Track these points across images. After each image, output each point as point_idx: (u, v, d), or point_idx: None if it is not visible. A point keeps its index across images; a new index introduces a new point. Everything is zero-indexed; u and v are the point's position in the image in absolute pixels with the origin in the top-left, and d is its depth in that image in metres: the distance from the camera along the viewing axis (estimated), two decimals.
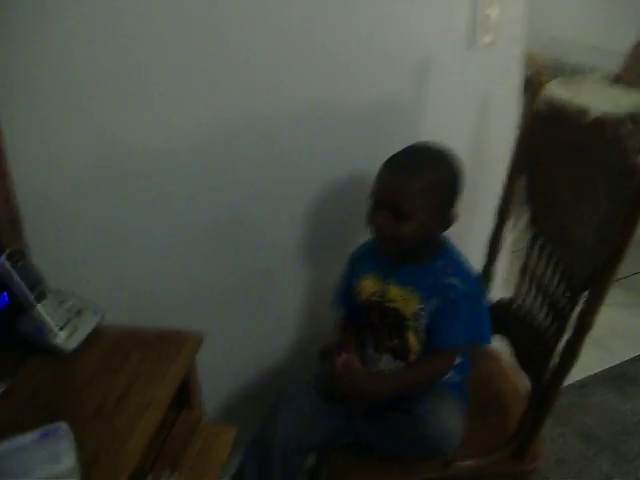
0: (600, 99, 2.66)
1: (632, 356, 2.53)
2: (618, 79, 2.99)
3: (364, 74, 1.63)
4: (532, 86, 1.57)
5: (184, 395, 1.31)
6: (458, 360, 1.46)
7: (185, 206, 1.54)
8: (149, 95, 1.41)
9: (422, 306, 1.40)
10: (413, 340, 1.43)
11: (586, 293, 1.32)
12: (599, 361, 2.47)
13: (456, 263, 1.45)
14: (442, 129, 1.73)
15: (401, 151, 1.40)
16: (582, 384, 2.39)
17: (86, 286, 1.41)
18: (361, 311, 1.52)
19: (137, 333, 1.32)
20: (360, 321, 1.53)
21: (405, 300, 1.42)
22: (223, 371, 1.74)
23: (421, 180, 1.35)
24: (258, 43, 1.48)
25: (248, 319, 1.76)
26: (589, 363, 2.42)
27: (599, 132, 1.36)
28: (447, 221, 1.42)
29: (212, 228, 1.60)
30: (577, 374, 2.34)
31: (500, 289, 1.91)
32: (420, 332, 1.42)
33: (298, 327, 1.85)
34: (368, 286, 1.50)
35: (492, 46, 1.72)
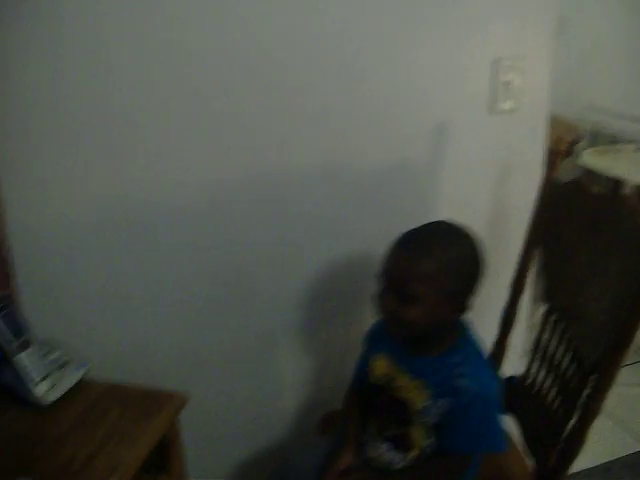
0: (635, 170, 2.59)
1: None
2: None
3: (380, 138, 1.60)
4: (550, 155, 1.52)
5: (164, 459, 1.26)
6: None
7: (185, 263, 1.52)
8: (154, 150, 1.41)
9: (431, 403, 1.28)
10: (417, 435, 1.31)
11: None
12: (623, 445, 2.33)
13: (472, 361, 1.30)
14: (459, 196, 1.69)
15: (414, 229, 1.30)
16: (607, 467, 2.24)
17: (76, 337, 1.39)
18: (369, 391, 1.42)
19: (120, 389, 1.29)
20: (367, 400, 1.44)
21: (413, 393, 1.30)
22: (217, 435, 1.69)
23: (430, 260, 1.23)
24: (271, 104, 1.46)
25: (245, 383, 1.70)
26: (615, 446, 2.29)
27: (617, 207, 1.30)
28: (460, 308, 1.29)
29: (212, 287, 1.57)
30: (602, 457, 2.22)
31: (516, 364, 1.83)
32: (427, 428, 1.30)
33: (296, 394, 1.78)
34: (379, 367, 1.39)
35: (513, 112, 1.67)
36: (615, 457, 2.28)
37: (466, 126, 1.65)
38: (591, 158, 2.69)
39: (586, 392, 1.25)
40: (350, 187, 1.60)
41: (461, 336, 1.34)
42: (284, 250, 1.60)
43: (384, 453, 1.37)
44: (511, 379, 1.60)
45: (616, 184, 2.55)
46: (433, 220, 1.33)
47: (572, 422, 1.29)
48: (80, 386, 1.27)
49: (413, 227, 1.30)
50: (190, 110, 1.40)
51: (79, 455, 1.10)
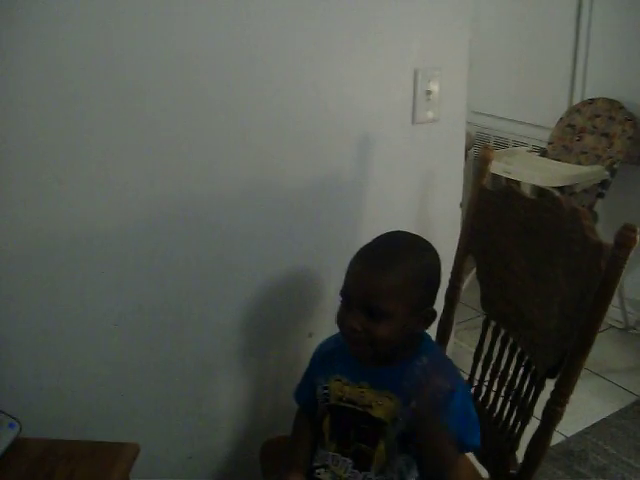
0: (532, 171, 2.68)
1: (578, 431, 2.48)
2: (545, 152, 3.04)
3: (307, 152, 1.56)
4: (479, 162, 1.52)
5: None
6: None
7: (114, 293, 1.41)
8: (78, 174, 1.30)
9: (401, 411, 1.23)
10: (381, 448, 1.27)
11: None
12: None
13: (439, 361, 1.30)
14: (386, 205, 1.68)
15: (371, 243, 1.28)
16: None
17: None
18: (327, 413, 1.35)
19: (63, 446, 1.16)
20: (320, 420, 1.37)
21: (381, 406, 1.26)
22: (160, 476, 1.58)
23: (398, 274, 1.21)
24: (192, 121, 1.39)
25: (185, 417, 1.60)
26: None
27: (554, 208, 1.31)
28: (427, 318, 1.28)
29: (144, 315, 1.46)
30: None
31: None
32: (391, 440, 1.26)
33: (238, 424, 1.70)
34: (336, 389, 1.33)
35: (435, 122, 1.68)
36: None
37: (391, 136, 1.65)
38: None
39: (544, 397, 1.25)
40: (281, 203, 1.56)
41: (422, 342, 1.32)
42: (218, 272, 1.52)
43: (344, 470, 1.31)
44: None
45: (536, 188, 2.63)
46: (388, 231, 1.31)
47: (531, 427, 1.30)
48: (15, 447, 1.14)
49: (370, 241, 1.28)
50: (116, 128, 1.31)
51: None
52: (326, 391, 1.35)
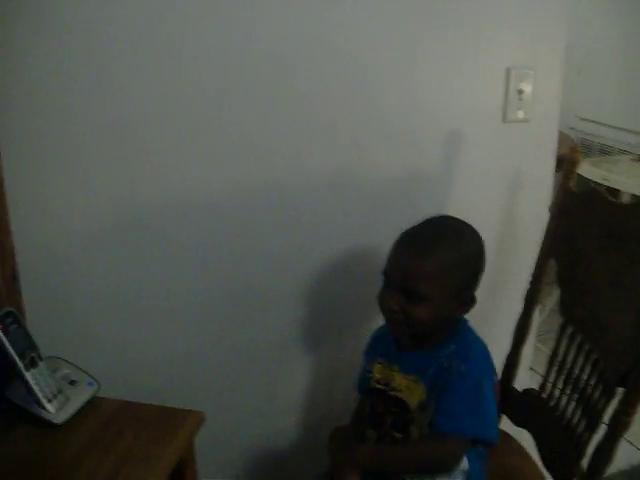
0: (632, 180, 2.59)
1: None
2: None
3: (393, 148, 1.57)
4: (566, 164, 1.50)
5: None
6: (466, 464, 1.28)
7: (194, 273, 1.48)
8: (161, 156, 1.37)
9: (427, 397, 1.25)
10: (414, 437, 1.27)
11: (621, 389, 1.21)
12: (627, 456, 2.31)
13: (467, 348, 1.28)
14: (471, 205, 1.66)
15: (416, 226, 1.28)
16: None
17: (84, 354, 1.33)
18: (369, 396, 1.39)
19: (134, 408, 1.23)
20: (370, 406, 1.39)
21: (409, 390, 1.28)
22: (226, 452, 1.64)
23: (438, 259, 1.22)
24: (285, 110, 1.44)
25: (254, 396, 1.66)
26: (617, 456, 2.26)
27: (638, 215, 1.27)
28: (466, 303, 1.28)
29: (221, 297, 1.53)
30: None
31: (524, 377, 1.81)
32: (424, 427, 1.26)
33: (308, 407, 1.74)
34: (376, 372, 1.36)
35: (526, 122, 1.65)
36: (617, 469, 2.27)
37: (480, 135, 1.63)
38: (587, 169, 2.69)
39: (615, 407, 1.22)
40: (363, 197, 1.58)
41: (458, 329, 1.31)
42: (297, 260, 1.56)
43: None
44: (527, 392, 1.57)
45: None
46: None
47: (596, 437, 1.27)
48: (91, 405, 1.22)
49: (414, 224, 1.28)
50: (202, 115, 1.38)
51: (95, 479, 1.05)
52: (369, 375, 1.38)
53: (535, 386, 1.55)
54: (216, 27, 1.33)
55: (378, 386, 1.35)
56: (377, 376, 1.36)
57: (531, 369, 2.03)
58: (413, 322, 1.23)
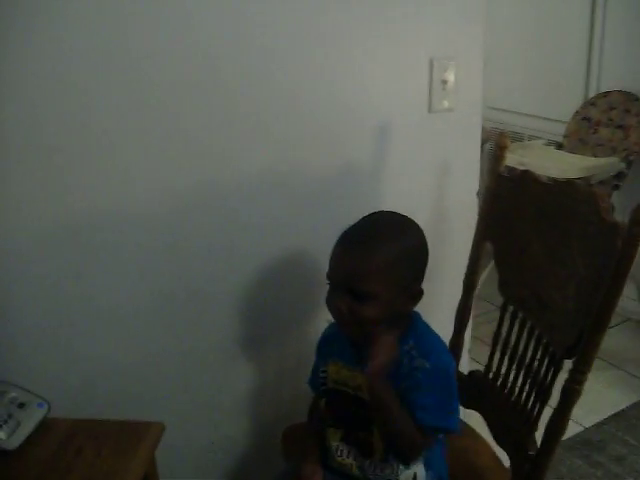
0: (548, 164, 2.69)
1: (596, 422, 2.48)
2: (560, 146, 3.04)
3: (323, 143, 1.58)
4: (495, 149, 1.54)
5: None
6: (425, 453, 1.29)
7: (134, 280, 1.44)
8: (103, 159, 1.34)
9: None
10: (378, 436, 1.27)
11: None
12: None
13: (425, 342, 1.28)
14: (402, 195, 1.70)
15: (354, 224, 1.27)
16: None
17: (28, 373, 1.28)
18: (328, 397, 1.37)
19: (89, 425, 1.21)
20: (329, 407, 1.38)
21: None
22: (181, 461, 1.60)
23: (380, 255, 1.20)
24: (212, 111, 1.42)
25: (207, 402, 1.63)
26: None
27: (570, 192, 1.33)
28: (414, 297, 1.27)
29: (163, 303, 1.50)
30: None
31: (464, 362, 1.85)
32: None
33: (260, 409, 1.73)
34: (333, 372, 1.34)
35: (451, 111, 1.70)
36: None
37: (407, 126, 1.67)
38: None
39: (564, 377, 1.27)
40: (297, 196, 1.58)
41: (411, 323, 1.31)
42: (236, 261, 1.55)
43: (352, 458, 1.33)
44: (473, 373, 1.61)
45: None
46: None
47: (549, 408, 1.31)
48: (44, 426, 1.18)
49: (353, 223, 1.27)
50: (130, 119, 1.34)
51: None
52: (323, 374, 1.37)
53: (479, 368, 1.60)
54: (143, 26, 1.31)
55: (336, 387, 1.33)
56: (334, 377, 1.34)
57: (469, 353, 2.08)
58: (363, 321, 1.22)
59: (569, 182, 1.38)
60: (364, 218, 1.29)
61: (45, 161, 1.28)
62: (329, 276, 1.25)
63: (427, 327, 1.33)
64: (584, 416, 2.47)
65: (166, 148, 1.40)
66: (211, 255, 1.52)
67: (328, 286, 1.26)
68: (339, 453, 1.34)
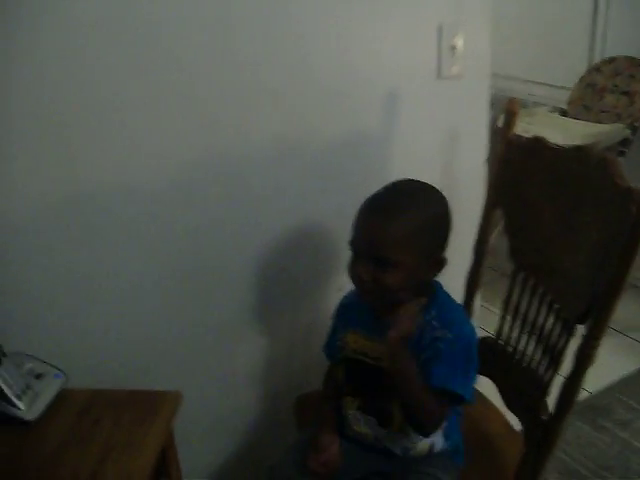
0: (553, 131, 2.67)
1: (602, 387, 2.50)
2: (565, 113, 3.02)
3: (332, 112, 1.57)
4: (506, 115, 1.53)
5: (162, 463, 1.18)
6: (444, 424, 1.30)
7: (151, 251, 1.45)
8: (111, 132, 1.33)
9: None
10: (397, 407, 1.28)
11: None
12: None
13: (447, 312, 1.28)
14: (411, 162, 1.69)
15: (379, 191, 1.26)
16: None
17: (44, 345, 1.29)
18: (345, 367, 1.37)
19: (107, 395, 1.21)
20: (347, 375, 1.38)
21: None
22: (196, 431, 1.62)
23: (404, 223, 1.20)
24: (223, 80, 1.41)
25: (220, 372, 1.65)
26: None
27: (583, 159, 1.32)
28: (437, 265, 1.27)
29: (175, 275, 1.50)
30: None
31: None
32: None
33: (272, 378, 1.74)
34: (352, 341, 1.34)
35: (460, 77, 1.68)
36: None
37: (416, 92, 1.66)
38: None
39: (578, 342, 1.27)
40: (308, 165, 1.57)
41: (433, 293, 1.31)
42: (248, 233, 1.55)
43: (368, 428, 1.34)
44: (484, 340, 1.61)
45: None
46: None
47: (563, 373, 1.32)
48: (61, 397, 1.18)
49: (376, 190, 1.27)
50: (142, 89, 1.33)
51: (81, 474, 1.02)
52: (341, 343, 1.37)
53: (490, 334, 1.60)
54: None
55: (356, 356, 1.33)
56: (353, 346, 1.34)
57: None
58: (385, 289, 1.21)
59: (580, 147, 1.36)
60: (388, 186, 1.28)
61: (52, 134, 1.27)
62: (352, 243, 1.25)
63: (449, 297, 1.33)
64: (589, 381, 2.46)
65: (174, 119, 1.39)
66: (221, 227, 1.51)
67: (345, 254, 1.26)
68: (355, 422, 1.35)
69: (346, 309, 1.42)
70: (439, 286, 1.34)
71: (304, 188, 1.58)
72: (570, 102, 3.02)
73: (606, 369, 2.57)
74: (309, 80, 1.51)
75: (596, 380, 2.51)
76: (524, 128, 2.69)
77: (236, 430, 1.73)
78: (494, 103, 3.49)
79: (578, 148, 1.39)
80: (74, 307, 1.39)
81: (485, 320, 1.96)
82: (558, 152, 1.42)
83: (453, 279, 1.63)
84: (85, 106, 1.29)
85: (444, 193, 1.73)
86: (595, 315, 1.22)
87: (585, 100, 2.97)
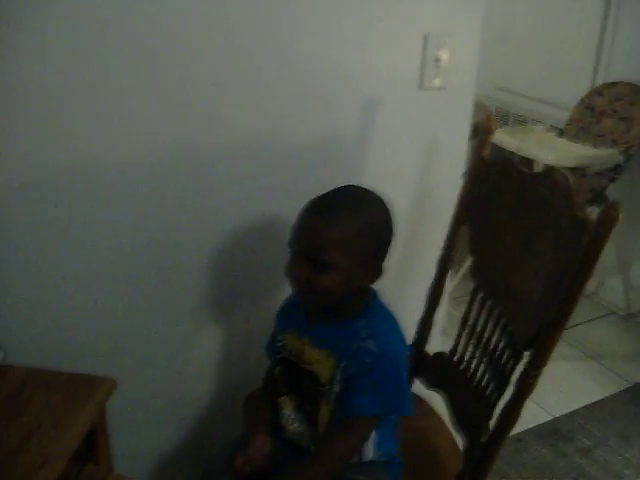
0: (546, 150, 2.66)
1: (568, 411, 2.50)
2: (562, 132, 3.01)
3: (311, 112, 1.56)
4: (481, 133, 1.52)
5: (91, 448, 1.18)
6: (375, 434, 1.31)
7: (107, 234, 1.43)
8: (79, 115, 1.32)
9: (336, 372, 1.25)
10: (324, 410, 1.28)
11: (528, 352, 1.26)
12: (534, 416, 2.43)
13: (377, 324, 1.28)
14: (386, 171, 1.68)
15: (321, 195, 1.26)
16: (519, 438, 2.33)
17: None
18: (282, 366, 1.38)
19: (43, 375, 1.21)
20: (283, 376, 1.39)
21: (320, 364, 1.28)
22: (140, 420, 1.62)
23: (341, 226, 1.20)
24: (203, 71, 1.40)
25: (169, 362, 1.64)
26: (526, 416, 2.36)
27: (549, 184, 1.31)
28: (374, 273, 1.27)
29: (134, 260, 1.49)
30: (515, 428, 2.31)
31: (438, 340, 1.85)
32: (331, 402, 1.27)
33: (223, 373, 1.73)
34: (288, 343, 1.36)
35: (442, 89, 1.67)
36: (526, 427, 2.38)
37: (396, 102, 1.64)
38: (501, 137, 2.74)
39: (520, 369, 1.26)
40: (280, 158, 1.56)
41: (369, 302, 1.31)
42: (210, 224, 1.54)
43: (299, 427, 1.36)
44: (439, 355, 1.61)
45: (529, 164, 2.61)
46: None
47: (505, 397, 1.31)
48: (0, 371, 1.18)
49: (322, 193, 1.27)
50: (118, 74, 1.32)
51: (1, 450, 1.02)
52: (279, 343, 1.38)
53: (448, 350, 1.59)
54: None
55: (290, 357, 1.34)
56: (289, 346, 1.35)
57: (444, 333, 2.08)
58: (319, 291, 1.22)
59: (549, 173, 1.36)
60: (333, 190, 1.28)
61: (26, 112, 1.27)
62: (290, 244, 1.26)
63: (383, 308, 1.33)
64: (555, 405, 2.49)
65: (153, 107, 1.38)
66: (185, 212, 1.50)
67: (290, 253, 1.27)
68: (291, 421, 1.36)
69: (284, 312, 1.44)
70: (375, 295, 1.34)
71: (271, 184, 1.56)
72: (568, 123, 3.00)
73: (573, 394, 2.58)
74: (291, 79, 1.50)
75: (562, 404, 2.51)
76: (517, 145, 2.70)
77: (182, 421, 1.72)
78: (495, 117, 3.50)
79: (546, 174, 1.38)
80: (23, 286, 1.38)
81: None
82: (527, 176, 1.41)
83: (418, 289, 1.65)
84: (58, 86, 1.28)
85: (416, 203, 1.74)
86: (538, 344, 1.21)
87: (583, 122, 2.95)
